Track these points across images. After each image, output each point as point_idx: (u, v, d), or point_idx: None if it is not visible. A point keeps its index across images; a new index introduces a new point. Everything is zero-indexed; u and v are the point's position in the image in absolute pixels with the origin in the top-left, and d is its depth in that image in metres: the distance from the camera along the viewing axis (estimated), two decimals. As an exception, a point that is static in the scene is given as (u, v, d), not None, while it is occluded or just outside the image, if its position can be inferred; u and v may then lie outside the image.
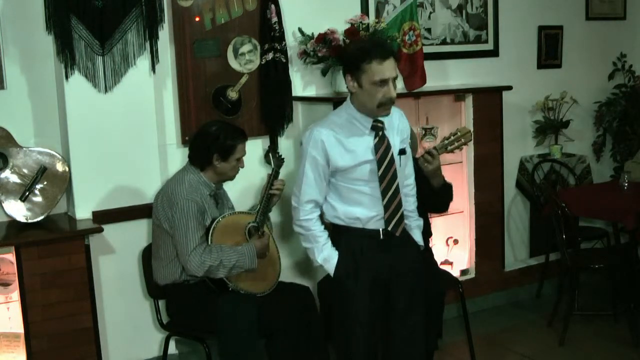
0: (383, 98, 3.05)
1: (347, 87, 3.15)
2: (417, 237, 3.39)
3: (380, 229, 3.21)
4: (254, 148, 4.46)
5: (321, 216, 3.29)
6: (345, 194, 3.18)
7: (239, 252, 3.67)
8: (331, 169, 3.13)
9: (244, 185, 4.40)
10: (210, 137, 3.77)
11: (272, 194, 3.99)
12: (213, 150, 3.75)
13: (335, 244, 3.22)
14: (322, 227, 3.21)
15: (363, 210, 3.18)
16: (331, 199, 3.21)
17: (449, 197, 3.98)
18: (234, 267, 3.65)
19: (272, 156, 4.00)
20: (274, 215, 4.52)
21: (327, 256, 3.17)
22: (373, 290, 3.22)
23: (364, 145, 3.14)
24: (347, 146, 3.12)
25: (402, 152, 3.25)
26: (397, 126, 3.28)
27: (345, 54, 3.14)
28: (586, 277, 5.34)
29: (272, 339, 3.75)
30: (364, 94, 3.06)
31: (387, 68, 3.03)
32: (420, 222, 3.44)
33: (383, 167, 3.14)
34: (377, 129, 3.15)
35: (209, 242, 3.67)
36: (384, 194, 3.16)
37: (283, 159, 4.09)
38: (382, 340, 3.38)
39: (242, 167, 3.87)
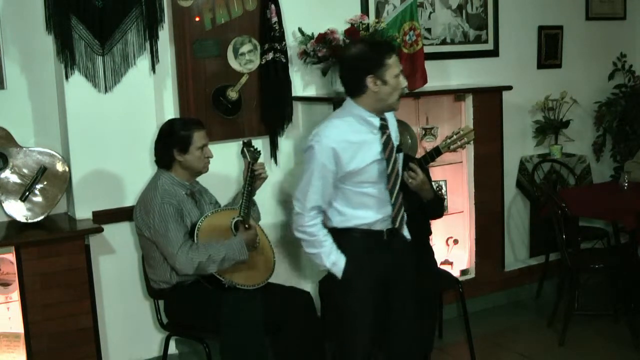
0: (403, 89, 3.12)
1: (362, 89, 3.08)
2: (406, 232, 3.39)
3: (385, 229, 3.21)
4: (254, 148, 4.46)
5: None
6: (352, 198, 3.15)
7: (227, 245, 3.67)
8: (340, 175, 3.10)
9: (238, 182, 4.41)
10: (165, 134, 3.81)
11: (257, 180, 3.94)
12: (172, 146, 3.76)
13: (340, 247, 3.19)
14: (325, 231, 3.17)
15: (370, 213, 3.17)
16: (338, 204, 3.17)
17: (438, 213, 3.98)
18: (224, 260, 3.63)
19: (247, 150, 3.96)
20: (274, 228, 4.51)
21: (335, 260, 3.15)
22: (376, 289, 3.22)
23: (372, 145, 3.13)
24: (357, 148, 3.10)
25: (398, 149, 3.26)
26: (392, 123, 3.29)
27: (361, 57, 3.08)
28: (586, 277, 5.33)
29: (278, 336, 3.75)
30: (387, 89, 3.07)
31: (398, 61, 3.11)
32: (405, 215, 3.41)
33: (391, 165, 3.14)
34: (384, 128, 3.15)
35: (196, 242, 3.66)
36: (391, 192, 3.17)
37: (259, 152, 4.03)
38: (378, 338, 3.38)
39: (210, 156, 3.85)
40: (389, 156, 3.14)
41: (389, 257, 3.24)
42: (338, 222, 3.19)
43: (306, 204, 3.12)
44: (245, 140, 4.03)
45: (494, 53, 5.50)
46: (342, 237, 3.18)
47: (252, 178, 3.93)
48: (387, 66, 3.05)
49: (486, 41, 5.47)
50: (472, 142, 3.97)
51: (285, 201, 4.72)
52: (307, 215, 3.13)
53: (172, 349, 4.25)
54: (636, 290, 4.87)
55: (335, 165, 3.07)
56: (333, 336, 3.41)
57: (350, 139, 3.09)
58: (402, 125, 4.34)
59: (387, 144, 3.14)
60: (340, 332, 3.32)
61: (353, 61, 3.12)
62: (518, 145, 5.66)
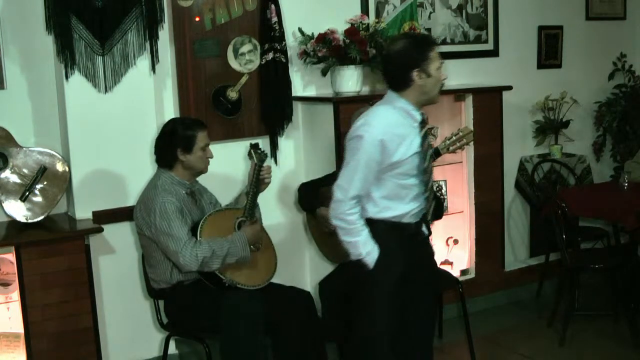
0: (444, 80, 3.24)
1: (408, 83, 3.15)
2: (424, 227, 3.44)
3: (413, 223, 3.27)
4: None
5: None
6: (391, 189, 3.20)
7: (230, 240, 3.67)
8: (384, 165, 3.14)
9: (238, 182, 4.42)
10: (169, 134, 3.81)
11: (262, 183, 3.96)
12: (175, 145, 3.76)
13: (372, 237, 3.23)
14: (363, 220, 3.20)
15: (404, 205, 3.22)
16: (375, 195, 3.21)
17: (438, 214, 3.99)
18: (227, 256, 3.63)
19: (255, 152, 3.98)
20: (275, 228, 4.52)
21: (370, 250, 3.18)
22: (401, 281, 3.26)
23: (413, 138, 3.19)
24: (400, 140, 3.15)
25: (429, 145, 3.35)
26: None
27: (405, 52, 3.15)
28: (586, 277, 5.33)
29: (278, 337, 3.75)
30: (432, 81, 3.16)
31: (438, 53, 3.21)
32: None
33: (427, 159, 3.22)
34: (424, 122, 3.23)
35: (199, 239, 3.67)
36: (426, 185, 3.25)
37: (266, 154, 4.06)
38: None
39: (211, 156, 3.87)
40: (426, 150, 3.23)
41: (417, 252, 3.32)
42: (373, 212, 3.22)
43: (349, 192, 3.14)
44: (253, 143, 4.05)
45: (494, 53, 5.50)
46: (375, 228, 3.21)
47: (258, 180, 3.95)
48: (431, 59, 3.13)
49: (486, 41, 5.47)
50: (471, 143, 3.97)
51: (285, 201, 4.73)
52: (348, 203, 3.15)
53: (172, 349, 4.25)
54: (636, 290, 4.88)
55: (380, 156, 3.12)
56: (355, 328, 3.37)
57: (395, 130, 3.15)
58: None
59: (425, 138, 3.22)
60: (361, 324, 3.33)
61: (398, 56, 3.18)
62: (518, 145, 5.67)
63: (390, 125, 3.14)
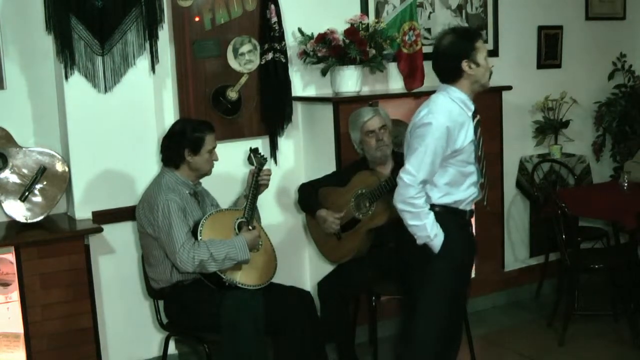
0: (491, 67, 3.44)
1: (460, 74, 3.33)
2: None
3: (467, 210, 3.43)
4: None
5: None
6: (452, 176, 3.34)
7: (229, 244, 3.67)
8: (448, 152, 3.28)
9: (237, 183, 4.42)
10: (178, 135, 3.81)
11: (260, 186, 4.01)
12: (184, 146, 3.78)
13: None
14: (428, 205, 3.31)
15: (462, 192, 3.37)
16: (439, 181, 3.33)
17: None
18: (226, 259, 3.64)
19: (254, 156, 4.03)
20: (274, 229, 4.52)
21: (437, 232, 3.29)
22: (460, 265, 3.42)
23: (469, 127, 3.34)
24: (460, 128, 3.30)
25: None
26: None
27: (454, 45, 3.36)
28: (586, 277, 5.33)
29: (278, 337, 3.76)
30: (481, 70, 3.35)
31: (485, 44, 3.42)
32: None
33: (481, 147, 3.38)
34: (476, 112, 3.38)
35: (199, 239, 3.67)
36: (482, 171, 3.41)
37: (266, 158, 4.11)
38: None
39: (217, 159, 3.89)
40: (480, 138, 3.37)
41: (467, 238, 3.48)
42: (435, 198, 3.35)
43: (418, 177, 3.25)
44: (253, 147, 4.10)
45: (494, 53, 5.49)
46: (436, 213, 3.32)
47: (257, 183, 3.98)
48: (478, 49, 3.32)
49: (486, 41, 5.43)
50: None
51: (285, 202, 4.74)
52: (417, 188, 3.26)
53: (172, 349, 4.25)
54: (636, 290, 4.87)
55: (446, 142, 3.26)
56: (420, 315, 3.44)
57: (457, 118, 3.30)
58: (401, 125, 4.35)
59: (477, 127, 3.37)
60: (426, 310, 3.41)
61: (448, 50, 3.38)
62: (518, 145, 5.66)
63: (452, 113, 3.30)
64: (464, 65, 3.31)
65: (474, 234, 3.69)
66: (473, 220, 3.59)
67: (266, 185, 4.07)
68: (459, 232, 3.38)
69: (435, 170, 3.29)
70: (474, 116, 3.37)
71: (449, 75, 3.38)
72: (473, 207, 3.47)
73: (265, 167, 4.04)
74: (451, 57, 3.35)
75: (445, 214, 3.33)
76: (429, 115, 3.28)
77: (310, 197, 4.28)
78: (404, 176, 3.27)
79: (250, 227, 3.86)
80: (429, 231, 3.26)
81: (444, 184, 3.33)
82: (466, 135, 3.31)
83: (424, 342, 3.43)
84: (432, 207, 3.32)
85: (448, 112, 3.29)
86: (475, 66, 3.32)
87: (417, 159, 3.26)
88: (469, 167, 3.36)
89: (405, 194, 3.27)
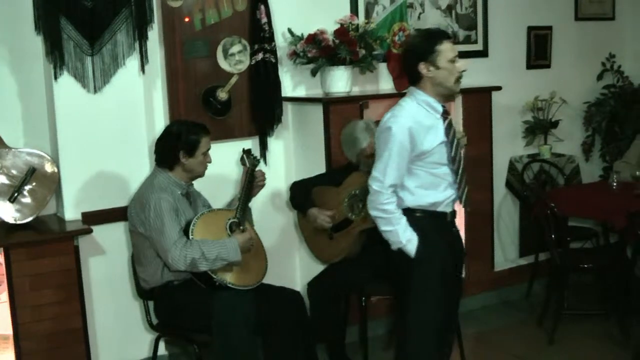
0: (459, 72, 3.31)
1: (419, 76, 3.29)
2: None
3: (448, 212, 3.39)
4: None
5: None
6: (424, 178, 3.32)
7: (221, 244, 3.67)
8: (414, 154, 3.26)
9: (227, 183, 4.41)
10: (174, 136, 3.81)
11: (255, 188, 4.04)
12: (179, 148, 3.78)
13: (411, 226, 3.33)
14: (400, 210, 3.30)
15: (439, 194, 3.34)
16: (410, 185, 3.31)
17: None
18: (217, 259, 3.64)
19: (247, 157, 4.03)
20: (265, 230, 4.52)
21: (410, 237, 3.27)
22: (443, 267, 3.36)
23: (438, 129, 3.31)
24: (427, 130, 3.28)
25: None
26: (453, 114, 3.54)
27: (413, 46, 3.35)
28: (576, 276, 5.35)
29: (268, 337, 3.76)
30: (442, 73, 3.26)
31: (453, 47, 3.32)
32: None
33: (454, 148, 3.33)
34: (446, 113, 3.34)
35: (190, 238, 3.67)
36: (456, 173, 3.35)
37: (259, 160, 4.12)
38: None
39: (210, 162, 3.89)
40: (452, 139, 3.32)
41: (450, 240, 3.44)
42: (410, 201, 3.33)
43: (385, 182, 3.25)
44: (246, 149, 4.11)
45: (484, 53, 5.51)
46: (413, 216, 3.32)
47: (250, 184, 3.98)
48: (439, 52, 3.24)
49: (475, 41, 5.48)
50: (464, 147, 3.99)
51: (275, 202, 4.73)
52: (386, 193, 3.26)
53: (162, 349, 4.24)
54: (625, 290, 4.89)
55: (410, 144, 3.24)
56: (407, 322, 3.42)
57: (421, 121, 3.28)
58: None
59: (449, 128, 3.33)
60: (415, 312, 3.38)
61: (407, 51, 3.38)
62: (508, 145, 5.67)
63: (415, 115, 3.28)
64: (421, 67, 3.26)
65: (462, 234, 3.69)
66: (460, 220, 3.59)
67: (261, 186, 4.08)
68: (440, 234, 3.35)
69: (403, 174, 3.27)
70: (444, 117, 3.33)
71: (410, 77, 3.35)
72: (456, 207, 3.45)
73: (258, 169, 4.04)
74: (409, 59, 3.33)
75: (424, 219, 3.32)
76: (390, 119, 3.27)
77: (302, 195, 4.28)
78: (372, 183, 3.28)
79: (241, 228, 3.86)
80: (400, 237, 3.25)
81: (416, 187, 3.30)
82: (435, 137, 3.28)
83: (417, 345, 3.40)
84: (412, 211, 3.30)
85: (410, 114, 3.26)
86: (434, 69, 3.25)
87: (382, 164, 3.25)
88: (441, 168, 3.32)
89: (375, 201, 3.28)
